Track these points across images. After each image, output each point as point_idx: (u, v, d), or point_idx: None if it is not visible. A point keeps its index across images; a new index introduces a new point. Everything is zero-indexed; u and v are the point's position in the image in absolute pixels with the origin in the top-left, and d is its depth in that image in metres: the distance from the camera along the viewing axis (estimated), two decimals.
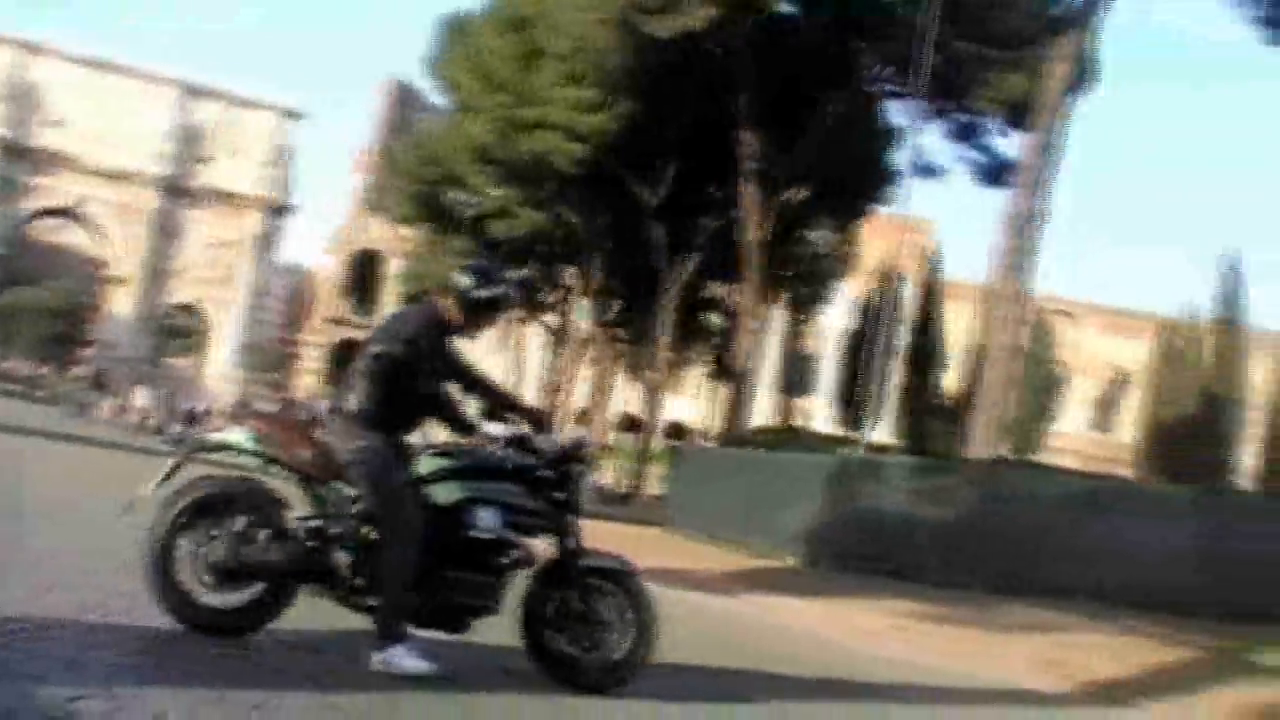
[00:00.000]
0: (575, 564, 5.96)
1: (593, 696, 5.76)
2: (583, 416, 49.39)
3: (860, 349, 34.49)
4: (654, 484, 38.02)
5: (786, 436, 41.18)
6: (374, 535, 5.60)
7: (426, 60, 36.40)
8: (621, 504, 33.38)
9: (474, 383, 6.24)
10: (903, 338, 45.11)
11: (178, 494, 5.54)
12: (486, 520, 5.72)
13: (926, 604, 14.08)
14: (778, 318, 45.16)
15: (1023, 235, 21.13)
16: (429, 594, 5.62)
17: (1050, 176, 21.77)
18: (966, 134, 31.17)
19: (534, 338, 52.38)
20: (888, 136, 32.65)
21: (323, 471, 5.70)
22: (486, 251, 38.35)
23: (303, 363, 72.83)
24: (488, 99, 31.50)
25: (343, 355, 72.57)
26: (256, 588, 5.59)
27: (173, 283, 61.98)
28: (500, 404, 6.28)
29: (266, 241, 64.18)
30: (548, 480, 5.94)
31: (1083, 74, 25.13)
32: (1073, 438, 69.24)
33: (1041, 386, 59.25)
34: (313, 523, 5.69)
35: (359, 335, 73.31)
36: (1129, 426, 60.90)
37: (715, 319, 43.56)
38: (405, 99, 71.66)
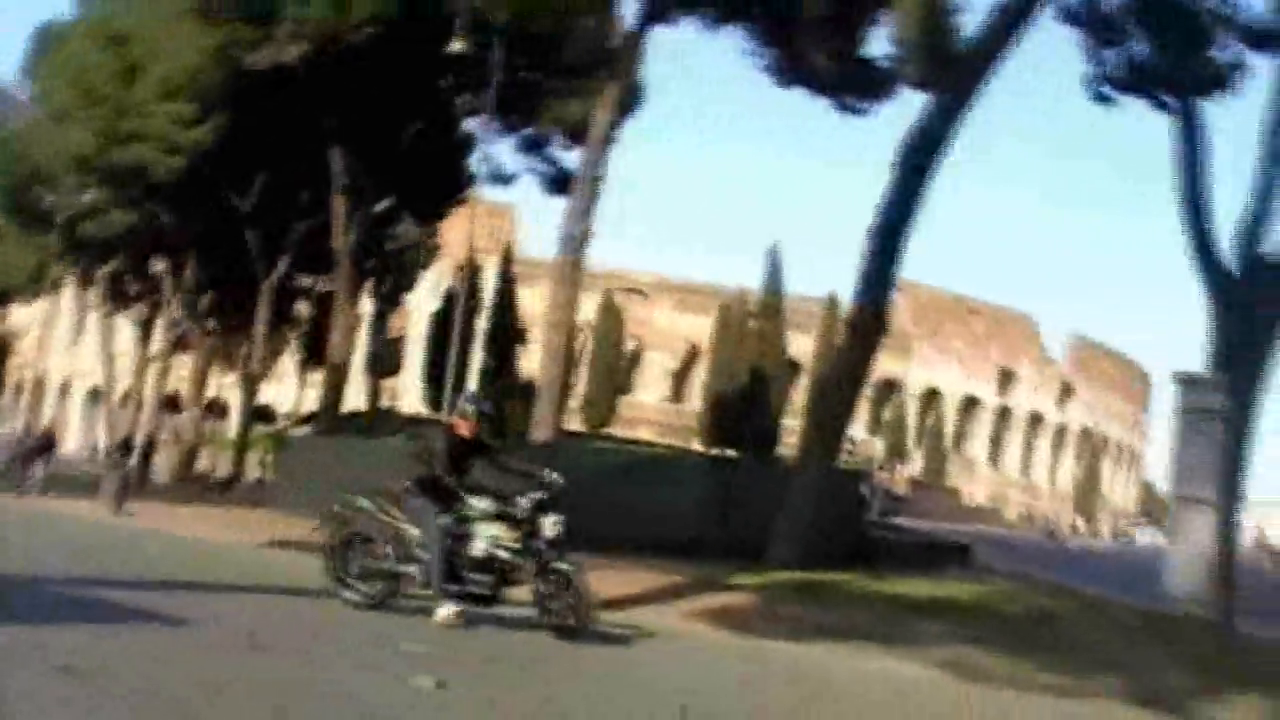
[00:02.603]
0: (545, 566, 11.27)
1: None
2: (172, 403, 52.28)
3: (446, 332, 38.99)
4: (252, 470, 41.86)
5: (377, 419, 45.93)
6: (426, 555, 11.18)
7: (21, 67, 38.78)
8: (226, 489, 37.10)
9: (494, 461, 11.88)
10: (485, 320, 50.52)
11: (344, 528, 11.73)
12: (478, 546, 11.09)
13: None
14: (367, 304, 49.40)
15: (576, 230, 26.82)
16: (459, 583, 11.12)
17: (598, 188, 27.46)
18: (532, 147, 36.93)
19: (124, 330, 54.55)
20: (465, 147, 37.80)
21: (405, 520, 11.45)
22: (76, 249, 41.31)
23: None
24: (86, 109, 34.43)
25: None
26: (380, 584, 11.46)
27: None
28: (513, 471, 11.90)
29: None
30: (523, 521, 11.20)
31: (630, 100, 31.33)
32: (650, 409, 76.78)
33: (615, 362, 65.79)
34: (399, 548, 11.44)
35: None
36: (699, 398, 68.14)
37: (305, 309, 47.76)
38: None
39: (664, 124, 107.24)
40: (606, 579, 16.96)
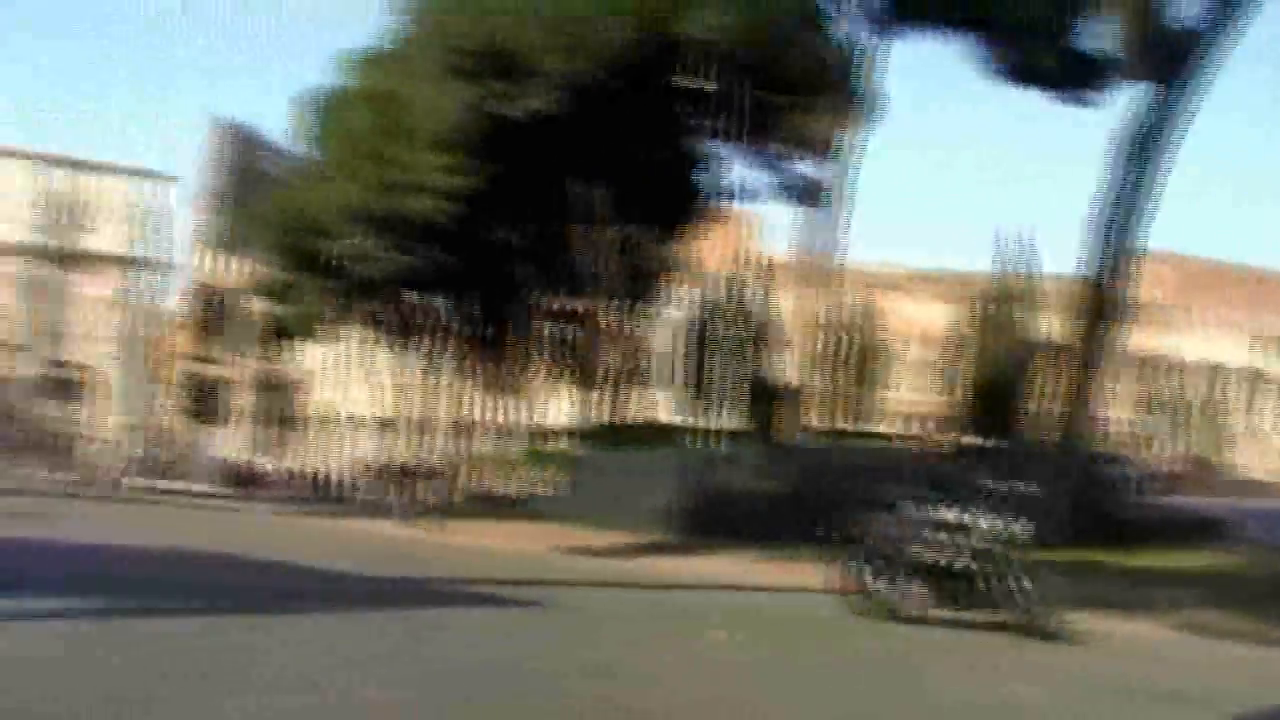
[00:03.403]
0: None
1: None
2: (454, 427, 56.14)
3: (700, 342, 41.20)
4: (533, 486, 45.00)
5: (646, 430, 48.50)
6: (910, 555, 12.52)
7: (299, 133, 42.97)
8: (513, 505, 40.25)
9: (958, 471, 13.90)
10: (737, 327, 52.56)
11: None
12: (947, 550, 12.12)
13: (756, 552, 21.50)
14: (624, 320, 52.04)
15: (820, 239, 28.84)
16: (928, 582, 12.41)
17: (841, 197, 29.38)
18: (773, 162, 38.93)
19: (405, 361, 58.80)
20: (708, 167, 40.09)
21: None
22: (355, 291, 45.28)
23: (164, 402, 78.11)
24: (356, 164, 38.10)
25: (202, 392, 78.32)
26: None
27: (63, 344, 68.52)
28: (979, 479, 13.00)
29: (147, 297, 70.98)
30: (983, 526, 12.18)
31: (866, 111, 33.07)
32: (909, 402, 77.47)
33: (871, 358, 66.68)
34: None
35: (216, 372, 79.18)
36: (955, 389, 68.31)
37: (569, 330, 50.88)
38: (239, 140, 77.12)
39: (904, 122, 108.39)
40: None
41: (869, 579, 12.28)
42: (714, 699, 8.07)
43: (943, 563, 11.83)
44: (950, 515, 11.93)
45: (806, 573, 18.55)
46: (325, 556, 18.81)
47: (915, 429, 63.30)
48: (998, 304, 58.15)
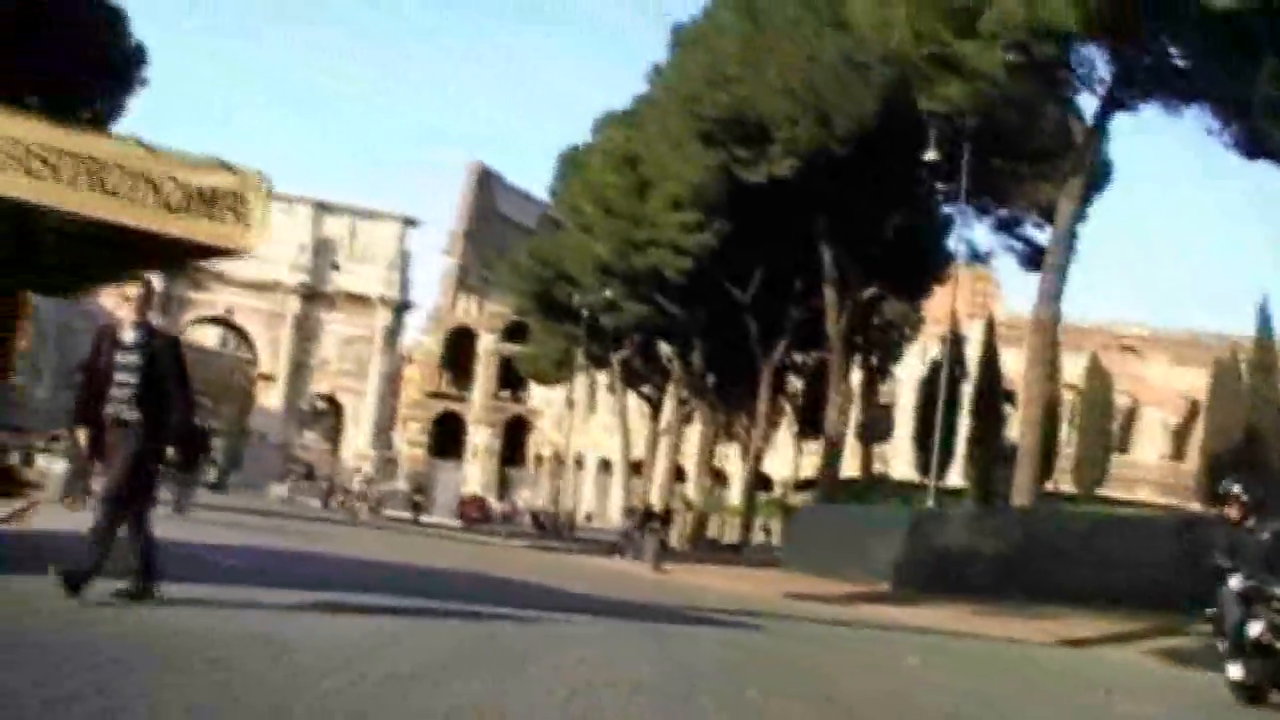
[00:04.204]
0: None
1: None
2: (680, 473, 58.50)
3: (932, 399, 42.38)
4: (757, 534, 46.98)
5: (871, 485, 49.97)
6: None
7: (550, 188, 46.39)
8: (734, 552, 42.32)
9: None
10: (970, 385, 53.42)
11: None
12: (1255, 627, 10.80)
13: (973, 605, 22.97)
14: (856, 375, 53.61)
15: (1049, 305, 30.06)
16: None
17: (1067, 267, 30.56)
18: (1006, 226, 40.31)
19: (634, 407, 61.51)
20: (944, 230, 41.72)
21: None
22: (594, 338, 48.17)
23: (405, 434, 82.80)
24: (605, 222, 40.98)
25: (443, 428, 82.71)
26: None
27: (313, 376, 74.30)
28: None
29: (391, 335, 76.34)
30: None
31: (1095, 180, 34.18)
32: (1147, 468, 76.33)
33: (1106, 421, 66.21)
34: None
35: (458, 409, 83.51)
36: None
37: (799, 383, 52.85)
38: (486, 182, 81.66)
39: (1138, 187, 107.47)
40: (1078, 624, 20.39)
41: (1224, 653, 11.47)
42: (888, 693, 9.91)
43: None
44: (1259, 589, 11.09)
45: (1025, 627, 20.13)
46: (580, 580, 21.22)
47: (1153, 494, 62.90)
48: (1253, 369, 57.13)
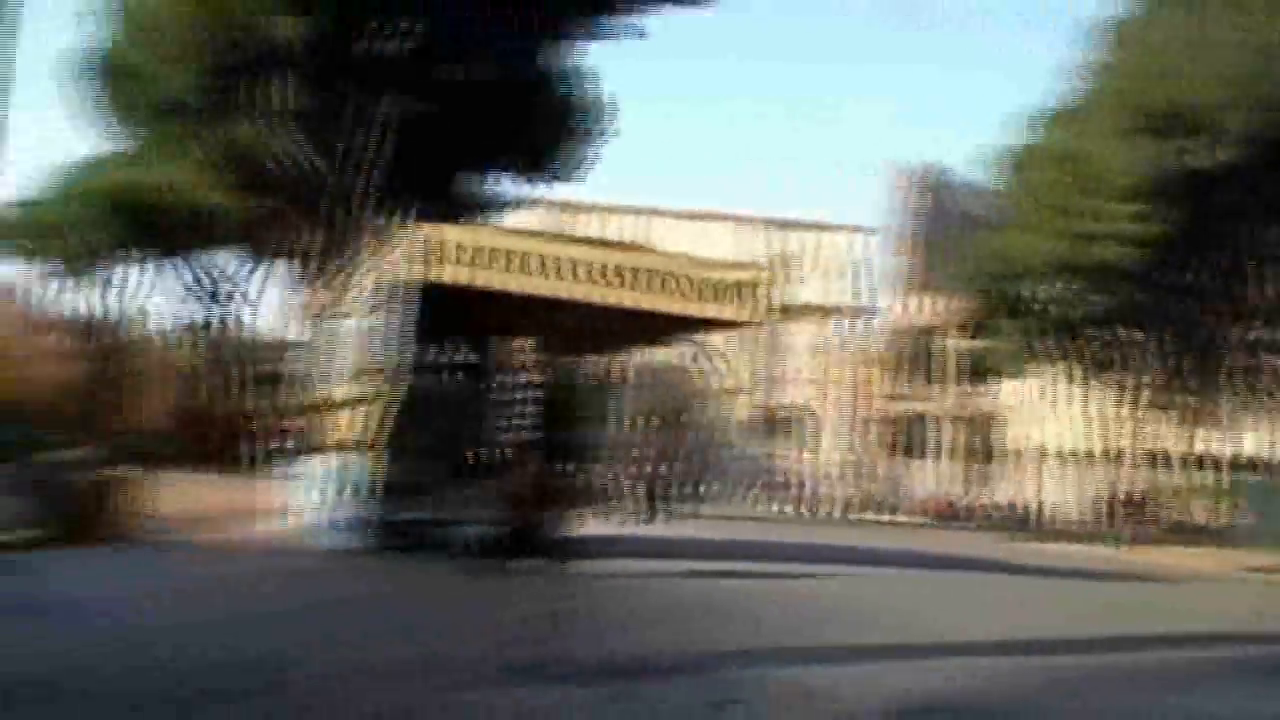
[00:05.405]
0: None
1: None
2: (1151, 457, 58.94)
3: None
4: (1223, 513, 47.51)
5: None
6: None
7: (990, 181, 49.10)
8: (1199, 532, 43.28)
9: None
10: None
11: None
12: None
13: None
14: None
15: None
16: None
17: None
18: None
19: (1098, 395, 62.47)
20: None
21: None
22: (1054, 330, 49.99)
23: (870, 436, 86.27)
24: (1047, 216, 42.97)
25: (903, 428, 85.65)
26: None
27: (780, 387, 79.76)
28: None
29: (852, 342, 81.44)
30: None
31: None
32: None
33: None
34: None
35: (916, 409, 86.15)
36: None
37: (1262, 361, 52.64)
38: (931, 183, 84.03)
39: None
40: None
41: None
42: None
43: None
44: None
45: None
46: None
47: None
48: None
